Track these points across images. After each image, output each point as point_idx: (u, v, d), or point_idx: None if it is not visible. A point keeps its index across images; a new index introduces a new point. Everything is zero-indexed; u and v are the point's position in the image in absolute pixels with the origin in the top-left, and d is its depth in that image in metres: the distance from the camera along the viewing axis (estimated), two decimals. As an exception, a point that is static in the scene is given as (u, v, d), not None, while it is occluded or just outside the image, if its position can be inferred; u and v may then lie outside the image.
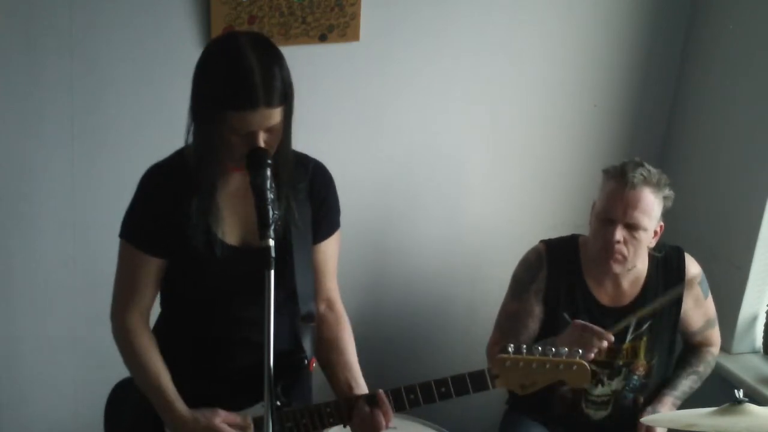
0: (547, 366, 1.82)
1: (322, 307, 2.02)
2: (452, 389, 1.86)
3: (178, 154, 1.86)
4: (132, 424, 1.96)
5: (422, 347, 3.15)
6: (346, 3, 2.66)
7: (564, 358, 1.82)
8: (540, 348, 1.83)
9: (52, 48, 2.50)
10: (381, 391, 1.87)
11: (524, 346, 1.84)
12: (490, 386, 1.86)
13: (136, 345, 1.90)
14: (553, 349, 1.83)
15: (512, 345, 1.84)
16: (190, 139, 1.80)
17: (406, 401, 1.87)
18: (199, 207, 1.80)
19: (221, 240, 1.84)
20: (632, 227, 2.31)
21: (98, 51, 2.54)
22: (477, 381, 1.86)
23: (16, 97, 2.53)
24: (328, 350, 2.00)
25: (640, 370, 2.47)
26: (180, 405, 1.88)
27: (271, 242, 1.63)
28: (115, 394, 2.06)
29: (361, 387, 1.95)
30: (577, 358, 1.83)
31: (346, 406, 1.89)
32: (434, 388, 1.86)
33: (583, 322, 2.24)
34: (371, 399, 1.87)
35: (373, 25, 2.72)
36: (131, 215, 1.89)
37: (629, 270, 2.40)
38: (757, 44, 2.80)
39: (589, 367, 1.84)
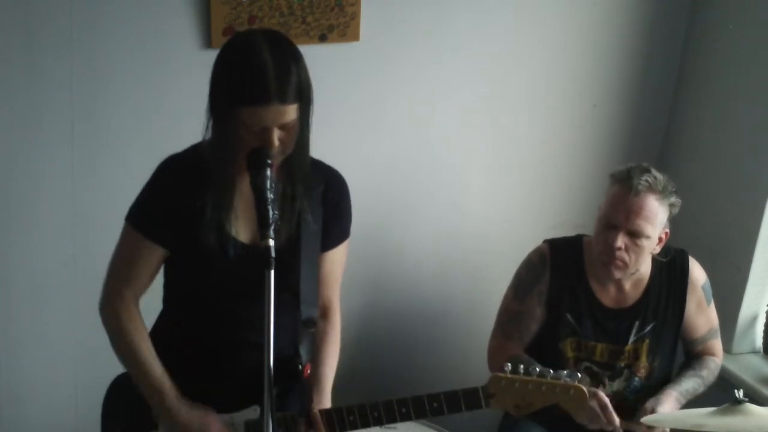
0: (544, 388, 1.80)
1: (317, 314, 2.00)
2: (444, 406, 1.85)
3: (196, 148, 1.86)
4: (130, 418, 1.96)
5: (421, 348, 3.15)
6: (346, 3, 2.66)
7: (561, 381, 1.80)
8: (538, 369, 1.81)
9: (52, 48, 2.50)
10: (316, 411, 1.85)
11: (521, 365, 1.82)
12: (484, 405, 1.84)
13: (126, 328, 1.89)
14: (551, 371, 1.81)
15: (509, 364, 1.83)
16: (208, 135, 1.79)
17: (398, 414, 1.86)
18: (212, 204, 1.80)
19: (234, 238, 1.84)
20: (634, 234, 2.29)
21: (98, 51, 2.54)
22: (470, 399, 1.85)
23: (16, 98, 2.53)
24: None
25: (642, 372, 2.46)
26: (171, 392, 1.86)
27: (271, 242, 1.62)
28: (114, 388, 2.05)
29: (323, 402, 1.92)
30: (576, 382, 1.80)
31: (336, 415, 1.87)
32: (426, 403, 1.85)
33: (606, 401, 2.22)
34: (308, 419, 1.85)
35: (373, 25, 2.72)
36: (141, 201, 1.89)
37: (632, 274, 2.40)
38: (757, 44, 2.80)
39: (587, 392, 1.81)
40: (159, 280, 1.98)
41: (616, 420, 2.24)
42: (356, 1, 2.67)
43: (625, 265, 2.33)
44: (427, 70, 2.86)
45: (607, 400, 2.24)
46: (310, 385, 1.92)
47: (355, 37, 2.72)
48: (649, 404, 2.34)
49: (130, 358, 1.90)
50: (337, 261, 2.00)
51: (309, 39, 2.67)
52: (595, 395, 2.21)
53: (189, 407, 1.87)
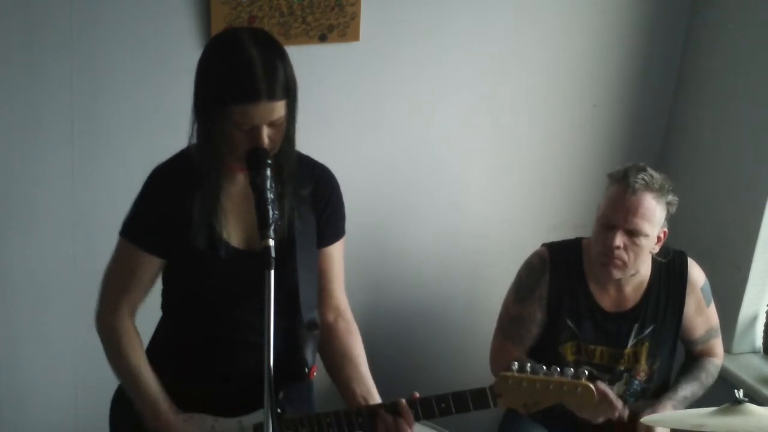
0: (551, 387, 1.80)
1: (332, 317, 1.98)
2: (453, 406, 1.84)
3: (183, 154, 1.85)
4: (137, 422, 1.95)
5: (421, 348, 3.15)
6: (346, 3, 2.66)
7: (569, 379, 1.80)
8: (544, 367, 1.81)
9: (52, 48, 2.50)
10: (403, 400, 1.84)
11: (528, 364, 1.82)
12: (492, 405, 1.84)
13: (121, 341, 1.88)
14: (558, 369, 1.81)
15: (516, 363, 1.82)
16: (194, 139, 1.78)
17: None
18: (202, 207, 1.79)
19: (226, 242, 1.83)
20: (633, 233, 2.29)
21: (98, 51, 2.54)
22: (478, 399, 1.84)
23: (16, 98, 2.53)
24: (340, 362, 1.95)
25: (642, 375, 2.46)
26: (165, 405, 1.86)
27: (271, 242, 1.61)
28: (121, 392, 2.04)
29: (375, 399, 1.91)
30: (582, 380, 1.79)
31: (345, 417, 1.86)
32: (434, 403, 1.84)
33: (604, 387, 2.20)
34: (394, 408, 1.83)
35: (373, 25, 2.72)
36: (133, 214, 1.88)
37: (632, 276, 2.40)
38: (757, 44, 2.80)
39: (594, 390, 1.80)
40: (157, 288, 1.97)
41: (619, 403, 2.22)
42: (356, 1, 2.67)
43: (624, 265, 2.33)
44: (427, 70, 2.86)
45: (605, 387, 2.23)
46: (359, 387, 1.91)
47: (355, 37, 2.72)
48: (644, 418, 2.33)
49: (124, 372, 1.89)
50: (336, 258, 1.98)
51: (309, 39, 2.67)
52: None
53: (183, 419, 1.86)
